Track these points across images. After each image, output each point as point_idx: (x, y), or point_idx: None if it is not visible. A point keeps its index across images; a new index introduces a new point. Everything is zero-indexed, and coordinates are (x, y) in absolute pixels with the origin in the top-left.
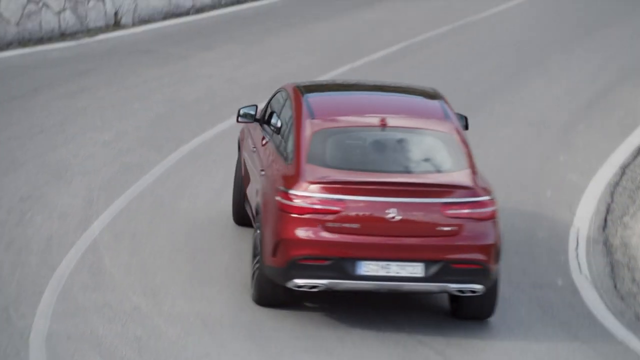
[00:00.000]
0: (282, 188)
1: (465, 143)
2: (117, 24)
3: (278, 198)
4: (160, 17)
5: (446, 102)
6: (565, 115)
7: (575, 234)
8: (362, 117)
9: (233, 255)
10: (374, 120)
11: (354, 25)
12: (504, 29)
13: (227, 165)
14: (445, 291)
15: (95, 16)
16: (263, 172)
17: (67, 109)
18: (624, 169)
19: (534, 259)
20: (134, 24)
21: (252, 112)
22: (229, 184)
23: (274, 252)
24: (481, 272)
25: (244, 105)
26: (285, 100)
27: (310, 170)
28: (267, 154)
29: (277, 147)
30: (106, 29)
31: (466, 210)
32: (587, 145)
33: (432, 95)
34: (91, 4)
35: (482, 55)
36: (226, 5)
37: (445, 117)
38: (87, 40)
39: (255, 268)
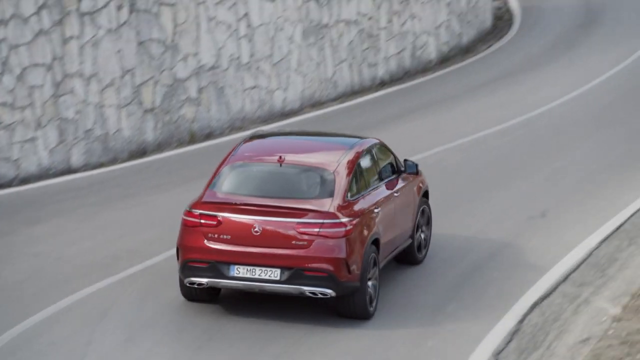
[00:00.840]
0: (186, 207)
1: (342, 180)
2: None
3: (183, 215)
4: None
5: (358, 152)
6: None
7: None
8: (270, 156)
9: None
10: (275, 158)
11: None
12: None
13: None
14: (301, 293)
15: None
16: None
17: None
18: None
19: None
20: None
21: None
22: None
23: (177, 256)
24: (329, 279)
25: None
26: None
27: (208, 194)
28: None
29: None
30: None
31: (316, 230)
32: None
33: (353, 142)
34: None
35: None
36: (55, 175)
37: (336, 158)
38: None
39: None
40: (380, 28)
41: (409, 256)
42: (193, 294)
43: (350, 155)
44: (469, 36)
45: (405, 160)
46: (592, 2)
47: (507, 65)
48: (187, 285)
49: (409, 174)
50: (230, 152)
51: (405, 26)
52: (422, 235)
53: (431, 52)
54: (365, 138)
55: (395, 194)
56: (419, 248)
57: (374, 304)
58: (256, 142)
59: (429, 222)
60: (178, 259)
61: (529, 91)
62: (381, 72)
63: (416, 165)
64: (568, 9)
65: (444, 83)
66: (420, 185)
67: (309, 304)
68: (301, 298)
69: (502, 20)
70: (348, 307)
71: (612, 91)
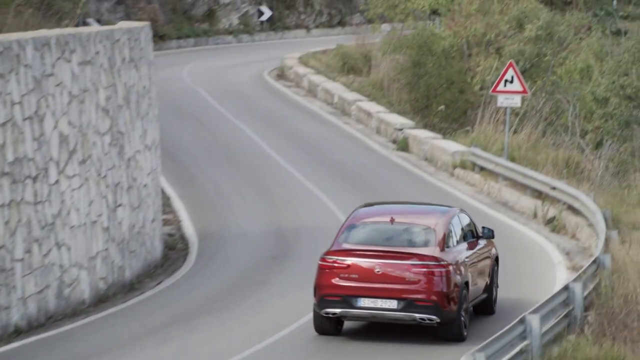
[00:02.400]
0: (322, 255)
1: (440, 233)
2: None
3: (319, 261)
4: None
5: (450, 215)
6: None
7: None
8: (381, 217)
9: None
10: (387, 218)
11: None
12: None
13: None
14: (413, 319)
15: None
16: None
17: None
18: None
19: None
20: None
21: None
22: None
23: (314, 293)
24: (435, 308)
25: None
26: None
27: (337, 245)
28: None
29: None
30: None
31: (424, 269)
32: None
33: (445, 209)
34: None
35: None
36: None
37: (435, 219)
38: None
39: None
40: (15, 260)
41: (486, 308)
42: (324, 328)
43: (444, 217)
44: (133, 270)
45: (482, 227)
46: (284, 231)
47: (182, 306)
48: (323, 315)
49: (486, 238)
50: (349, 216)
51: (49, 257)
52: (495, 292)
53: (84, 291)
54: (451, 207)
55: (478, 252)
56: (495, 301)
57: (466, 331)
58: (369, 208)
59: (496, 282)
60: (315, 295)
61: (206, 341)
62: (15, 317)
63: (492, 231)
64: (256, 236)
65: (102, 330)
66: (494, 250)
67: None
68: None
69: (175, 250)
70: (448, 331)
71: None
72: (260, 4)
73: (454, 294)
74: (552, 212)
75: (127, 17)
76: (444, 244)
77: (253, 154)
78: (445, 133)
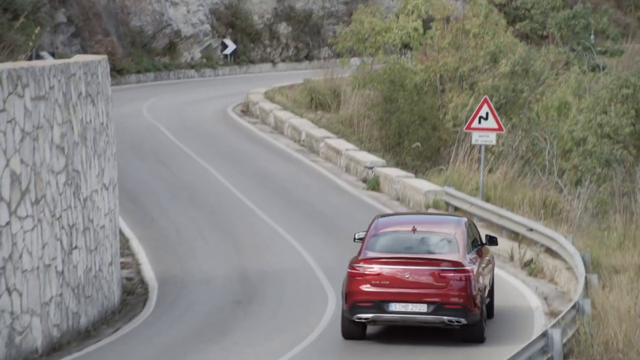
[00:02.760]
0: (350, 263)
1: (460, 241)
2: None
3: (348, 269)
4: None
5: (464, 224)
6: None
7: None
8: (403, 226)
9: None
10: (409, 227)
11: None
12: None
13: None
14: (442, 322)
15: None
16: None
17: None
18: None
19: None
20: None
21: (361, 236)
22: None
23: (346, 300)
24: (462, 310)
25: (359, 232)
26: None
27: (364, 254)
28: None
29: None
30: None
31: (451, 274)
32: None
33: (456, 219)
34: None
35: None
36: None
37: (453, 227)
38: None
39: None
40: None
41: (488, 311)
42: (352, 333)
43: (460, 226)
44: (89, 316)
45: (486, 235)
46: (249, 275)
47: (141, 355)
48: (356, 320)
49: (490, 245)
50: (370, 227)
51: None
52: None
53: (37, 338)
54: (460, 217)
55: (485, 258)
56: (493, 305)
57: (485, 333)
58: (387, 218)
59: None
60: (346, 302)
61: None
62: None
63: (496, 239)
64: (220, 280)
65: None
66: (492, 256)
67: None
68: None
69: (134, 295)
70: (472, 333)
71: None
72: (224, 37)
73: (477, 297)
74: (529, 254)
75: (84, 50)
76: (465, 249)
77: (217, 194)
78: (417, 172)
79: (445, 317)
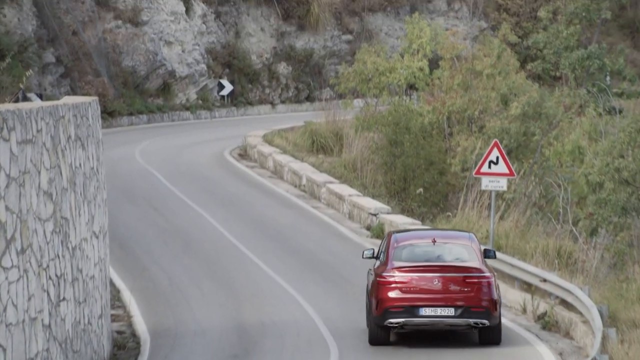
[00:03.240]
0: (379, 272)
1: (477, 250)
2: None
3: (378, 278)
4: None
5: (475, 236)
6: None
7: None
8: (422, 239)
9: None
10: (429, 240)
11: None
12: None
13: None
14: (468, 324)
15: None
16: (372, 272)
17: None
18: None
19: None
20: None
21: (371, 254)
22: None
23: (377, 307)
24: (486, 313)
25: (367, 249)
26: (384, 239)
27: (391, 263)
28: (376, 265)
29: (380, 260)
30: None
31: (475, 280)
32: None
33: (466, 232)
34: None
35: None
36: None
37: (467, 239)
38: None
39: (368, 321)
40: None
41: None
42: (380, 338)
43: (473, 238)
44: None
45: (484, 249)
46: (247, 327)
47: None
48: (387, 325)
49: (488, 258)
50: (390, 242)
51: None
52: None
53: None
54: (467, 231)
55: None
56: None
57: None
58: (403, 234)
59: None
60: (376, 309)
61: None
62: None
63: (495, 252)
64: (216, 333)
65: None
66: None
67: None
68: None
69: (125, 350)
70: (491, 336)
71: None
72: (220, 77)
73: (498, 300)
74: (543, 307)
75: (73, 91)
76: (482, 259)
77: (212, 241)
78: (424, 218)
79: (471, 320)
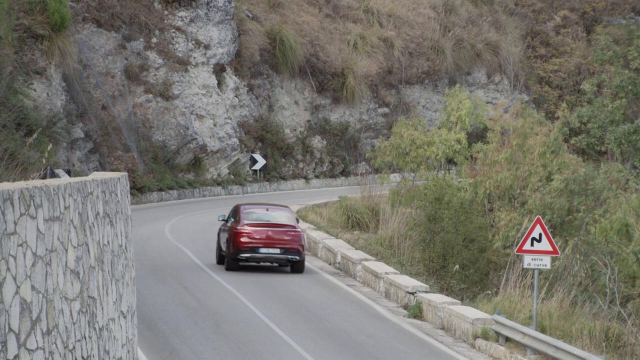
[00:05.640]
0: (234, 227)
1: (292, 216)
2: None
3: (234, 230)
4: None
5: (289, 208)
6: None
7: None
8: (260, 209)
9: None
10: (265, 209)
11: None
12: None
13: None
14: (287, 259)
15: None
16: (226, 230)
17: None
18: None
19: None
20: None
21: (223, 218)
22: None
23: (233, 247)
24: (297, 252)
25: (221, 214)
26: (234, 208)
27: (243, 222)
28: (228, 227)
29: (234, 220)
30: None
31: (292, 232)
32: None
33: (286, 206)
34: None
35: None
36: None
37: (287, 210)
38: None
39: (220, 255)
40: None
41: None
42: (233, 267)
43: (289, 210)
44: None
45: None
46: None
47: None
48: (239, 258)
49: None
50: (240, 209)
51: None
52: None
53: None
54: (286, 206)
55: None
56: None
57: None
58: (249, 205)
59: None
60: (233, 248)
61: None
62: None
63: (297, 220)
64: None
65: None
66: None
67: None
68: None
69: None
70: (299, 267)
71: None
72: (253, 151)
73: (304, 245)
74: None
75: (102, 167)
76: (296, 220)
77: (244, 321)
78: (464, 298)
79: (289, 256)
